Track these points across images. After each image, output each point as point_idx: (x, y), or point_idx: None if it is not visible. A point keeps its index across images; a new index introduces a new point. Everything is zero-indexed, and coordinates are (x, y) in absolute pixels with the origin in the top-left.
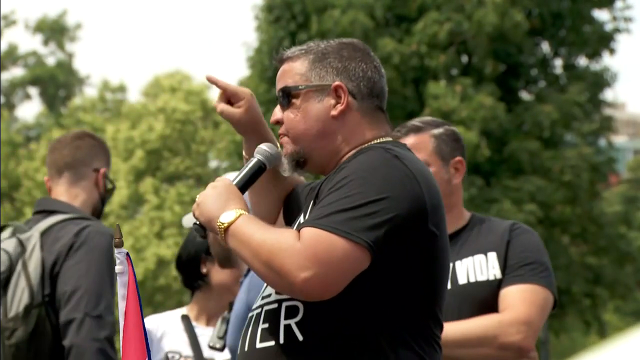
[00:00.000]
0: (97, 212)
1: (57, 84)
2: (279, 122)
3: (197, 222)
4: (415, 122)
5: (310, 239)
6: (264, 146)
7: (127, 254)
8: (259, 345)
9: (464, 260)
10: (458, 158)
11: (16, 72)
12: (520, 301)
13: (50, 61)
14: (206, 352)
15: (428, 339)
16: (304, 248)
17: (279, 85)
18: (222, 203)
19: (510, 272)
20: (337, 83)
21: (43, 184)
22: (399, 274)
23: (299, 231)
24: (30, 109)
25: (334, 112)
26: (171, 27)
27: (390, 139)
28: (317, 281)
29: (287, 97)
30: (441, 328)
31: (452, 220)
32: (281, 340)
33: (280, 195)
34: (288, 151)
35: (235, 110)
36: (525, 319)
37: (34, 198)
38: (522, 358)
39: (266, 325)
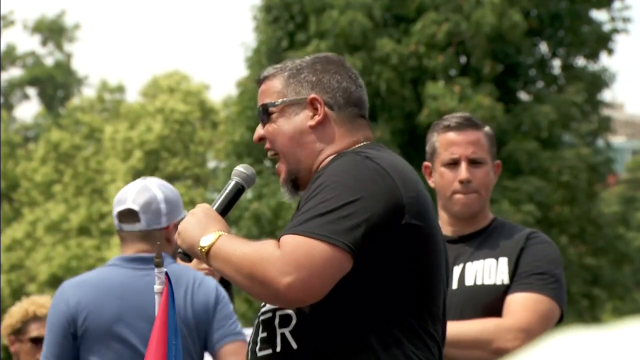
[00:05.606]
0: None
1: (56, 85)
2: (261, 139)
3: (181, 250)
4: (465, 116)
5: (290, 245)
6: (240, 167)
7: (166, 273)
8: (259, 353)
9: (475, 262)
10: (497, 161)
11: (14, 72)
12: (523, 308)
13: (49, 61)
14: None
15: (421, 333)
16: (283, 255)
17: (259, 103)
18: (201, 228)
19: (519, 280)
20: (312, 96)
21: (41, 184)
22: (384, 272)
23: (278, 240)
24: (28, 109)
25: (311, 123)
26: (169, 27)
27: (369, 142)
28: (300, 286)
29: (267, 113)
30: (438, 320)
31: (475, 221)
32: (278, 349)
33: None
34: (283, 178)
35: None
36: (525, 327)
37: (32, 198)
38: None
39: (265, 334)
